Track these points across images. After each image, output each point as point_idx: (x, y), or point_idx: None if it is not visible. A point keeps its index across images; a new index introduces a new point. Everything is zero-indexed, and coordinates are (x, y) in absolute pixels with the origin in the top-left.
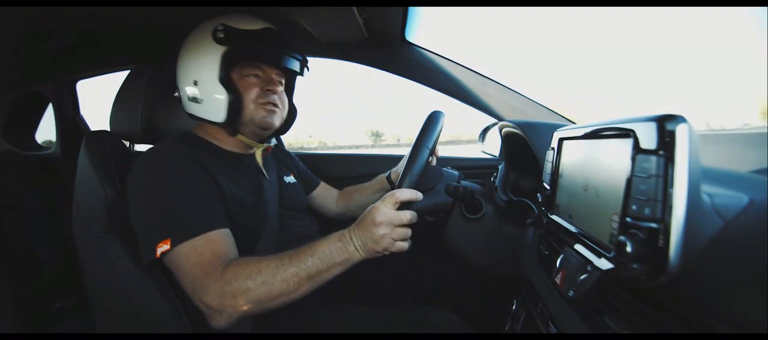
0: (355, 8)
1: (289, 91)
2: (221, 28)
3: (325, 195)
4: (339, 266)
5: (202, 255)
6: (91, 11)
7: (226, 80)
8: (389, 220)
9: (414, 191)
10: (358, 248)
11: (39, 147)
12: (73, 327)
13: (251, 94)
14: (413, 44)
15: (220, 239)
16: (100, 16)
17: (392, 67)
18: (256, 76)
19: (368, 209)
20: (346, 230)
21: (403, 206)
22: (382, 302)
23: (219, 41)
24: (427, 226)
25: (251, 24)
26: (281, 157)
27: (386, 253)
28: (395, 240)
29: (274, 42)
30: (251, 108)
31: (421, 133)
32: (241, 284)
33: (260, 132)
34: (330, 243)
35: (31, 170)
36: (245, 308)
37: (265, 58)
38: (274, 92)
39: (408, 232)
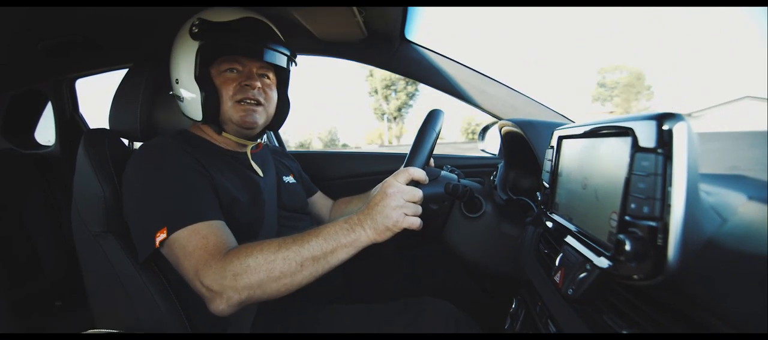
0: (354, 8)
1: (282, 83)
2: (197, 22)
3: (320, 204)
4: (345, 249)
5: (206, 238)
6: (90, 10)
7: (201, 77)
8: (401, 193)
9: (423, 171)
10: (366, 228)
11: (38, 145)
12: (73, 326)
13: (228, 91)
14: (413, 43)
15: (221, 228)
16: (98, 14)
17: (392, 66)
18: (235, 70)
19: (377, 187)
20: (353, 214)
21: (413, 184)
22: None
23: (194, 36)
24: (426, 224)
25: (227, 15)
26: (281, 158)
27: (396, 229)
28: (406, 215)
29: (252, 33)
30: (228, 105)
31: (425, 122)
32: (242, 262)
33: (243, 131)
34: (335, 225)
35: (31, 169)
36: (246, 289)
37: (240, 50)
38: (252, 87)
39: (419, 209)
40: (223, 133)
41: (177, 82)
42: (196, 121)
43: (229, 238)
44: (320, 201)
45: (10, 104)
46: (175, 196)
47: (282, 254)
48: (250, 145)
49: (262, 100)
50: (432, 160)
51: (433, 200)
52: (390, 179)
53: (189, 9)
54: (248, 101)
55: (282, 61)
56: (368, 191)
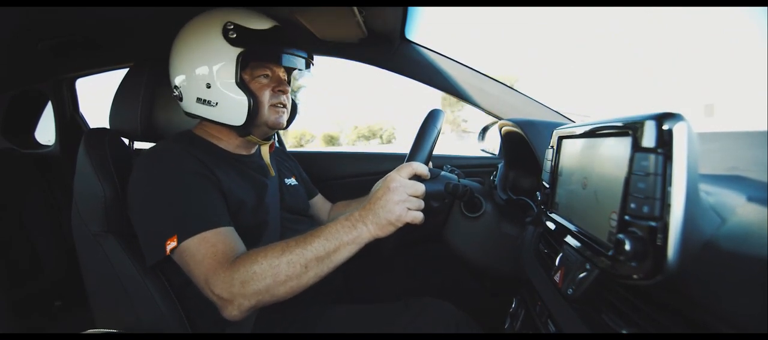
0: (354, 8)
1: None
2: (232, 27)
3: (320, 207)
4: (348, 246)
5: (215, 246)
6: (90, 10)
7: (241, 83)
8: (404, 187)
9: (426, 166)
10: (368, 223)
11: (38, 145)
12: (73, 326)
13: (265, 96)
14: (413, 43)
15: (230, 234)
16: (98, 14)
17: (392, 66)
18: (266, 76)
19: (378, 182)
20: (355, 211)
21: (415, 179)
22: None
23: (232, 42)
24: (427, 223)
25: (261, 23)
26: (283, 159)
27: (399, 224)
28: (409, 209)
29: (283, 42)
30: (265, 109)
31: (426, 121)
32: (248, 269)
33: (269, 132)
34: (337, 223)
35: (31, 169)
36: (254, 295)
37: (278, 59)
38: (285, 92)
39: (421, 203)
40: (249, 137)
41: (208, 87)
42: (228, 125)
43: (238, 243)
44: (319, 203)
45: (10, 104)
46: (184, 202)
47: (286, 258)
48: (266, 144)
49: (287, 103)
50: (430, 163)
51: (435, 198)
52: (393, 174)
53: (189, 9)
54: (280, 105)
55: (304, 65)
56: (367, 195)
